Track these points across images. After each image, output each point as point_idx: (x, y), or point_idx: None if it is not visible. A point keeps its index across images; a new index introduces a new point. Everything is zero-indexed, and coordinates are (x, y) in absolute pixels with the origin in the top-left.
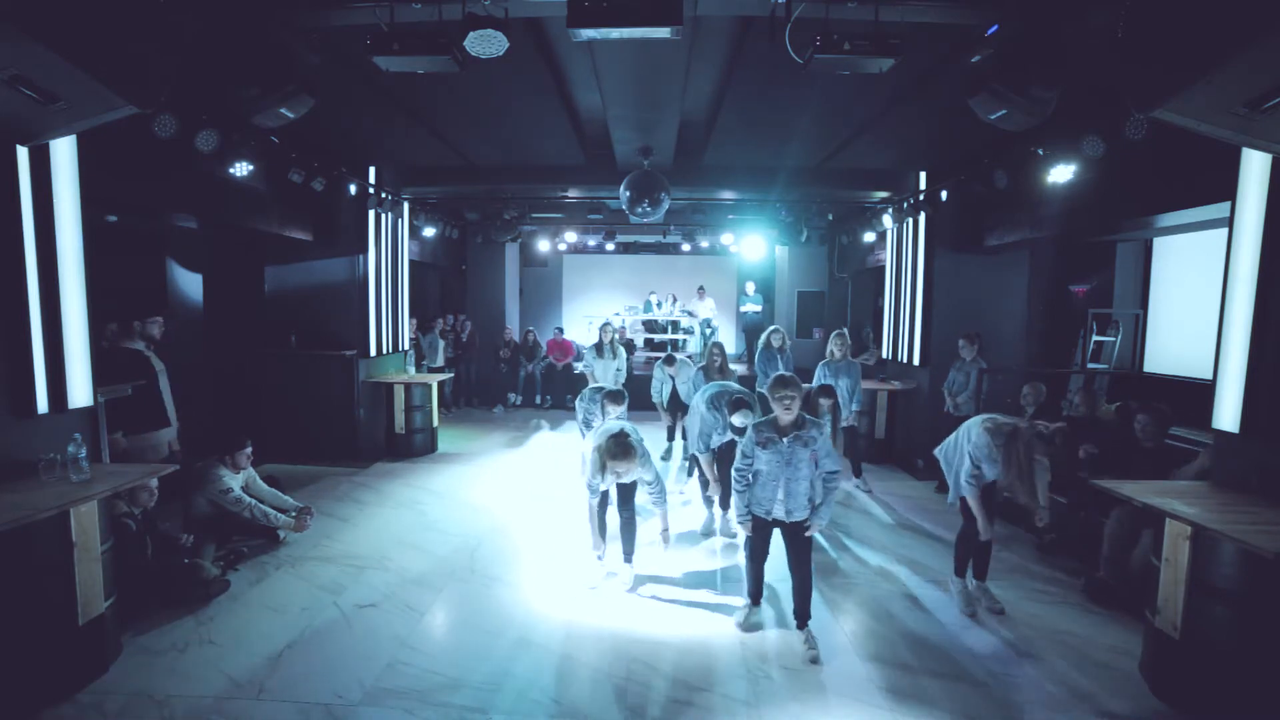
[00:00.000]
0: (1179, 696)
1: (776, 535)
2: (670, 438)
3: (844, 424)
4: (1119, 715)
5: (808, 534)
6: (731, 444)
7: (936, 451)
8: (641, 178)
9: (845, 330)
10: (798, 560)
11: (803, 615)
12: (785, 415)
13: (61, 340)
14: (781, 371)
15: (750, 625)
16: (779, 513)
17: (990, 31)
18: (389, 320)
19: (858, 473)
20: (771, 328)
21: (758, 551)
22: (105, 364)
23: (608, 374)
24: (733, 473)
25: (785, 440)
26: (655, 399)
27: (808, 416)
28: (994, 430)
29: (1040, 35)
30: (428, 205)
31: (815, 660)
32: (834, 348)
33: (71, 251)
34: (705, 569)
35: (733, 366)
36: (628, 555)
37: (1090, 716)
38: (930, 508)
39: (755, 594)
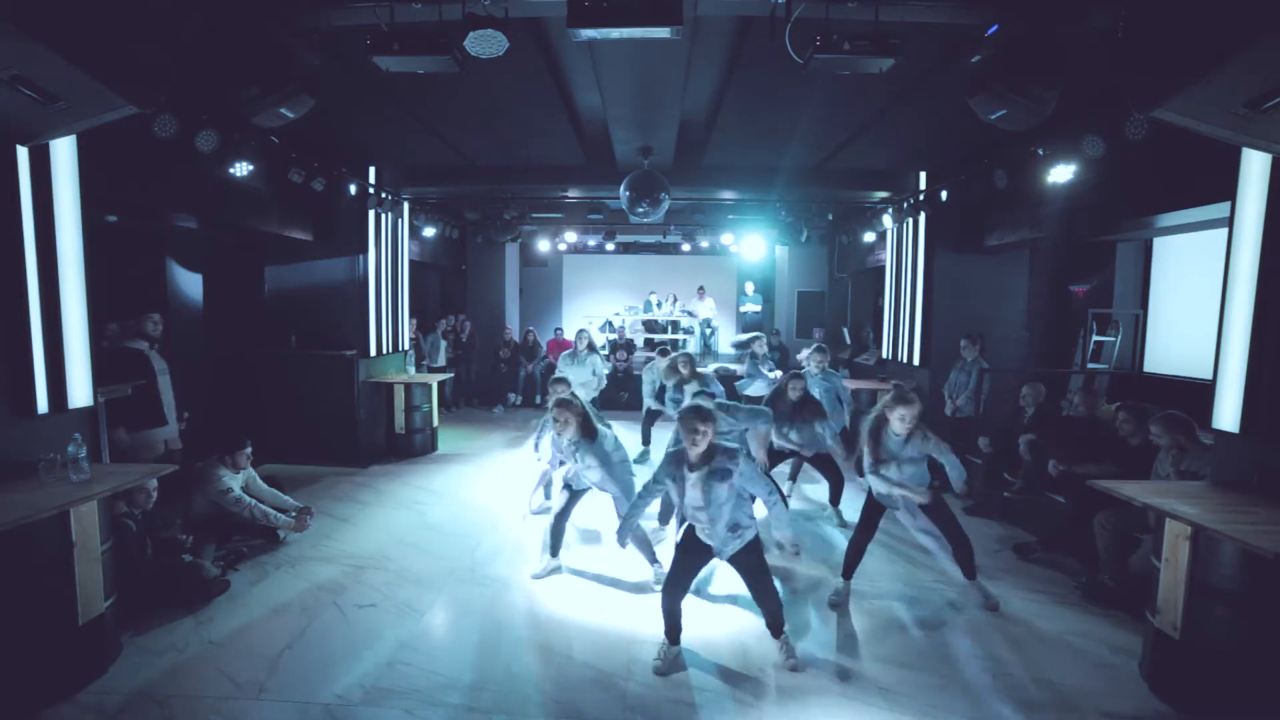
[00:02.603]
0: (1179, 696)
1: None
2: (645, 440)
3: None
4: (1119, 715)
5: (792, 550)
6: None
7: None
8: (641, 178)
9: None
10: (758, 589)
11: (776, 626)
12: (693, 449)
13: (61, 340)
14: (697, 401)
15: (671, 667)
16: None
17: (990, 31)
18: (389, 320)
19: (861, 473)
20: (753, 334)
21: (680, 579)
22: (107, 364)
23: (580, 379)
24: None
25: (695, 474)
26: (649, 401)
27: (723, 445)
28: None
29: (1040, 35)
30: (428, 205)
31: (796, 668)
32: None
33: (71, 251)
34: (707, 569)
35: (732, 366)
36: (652, 559)
37: (1090, 716)
38: None
39: (672, 631)
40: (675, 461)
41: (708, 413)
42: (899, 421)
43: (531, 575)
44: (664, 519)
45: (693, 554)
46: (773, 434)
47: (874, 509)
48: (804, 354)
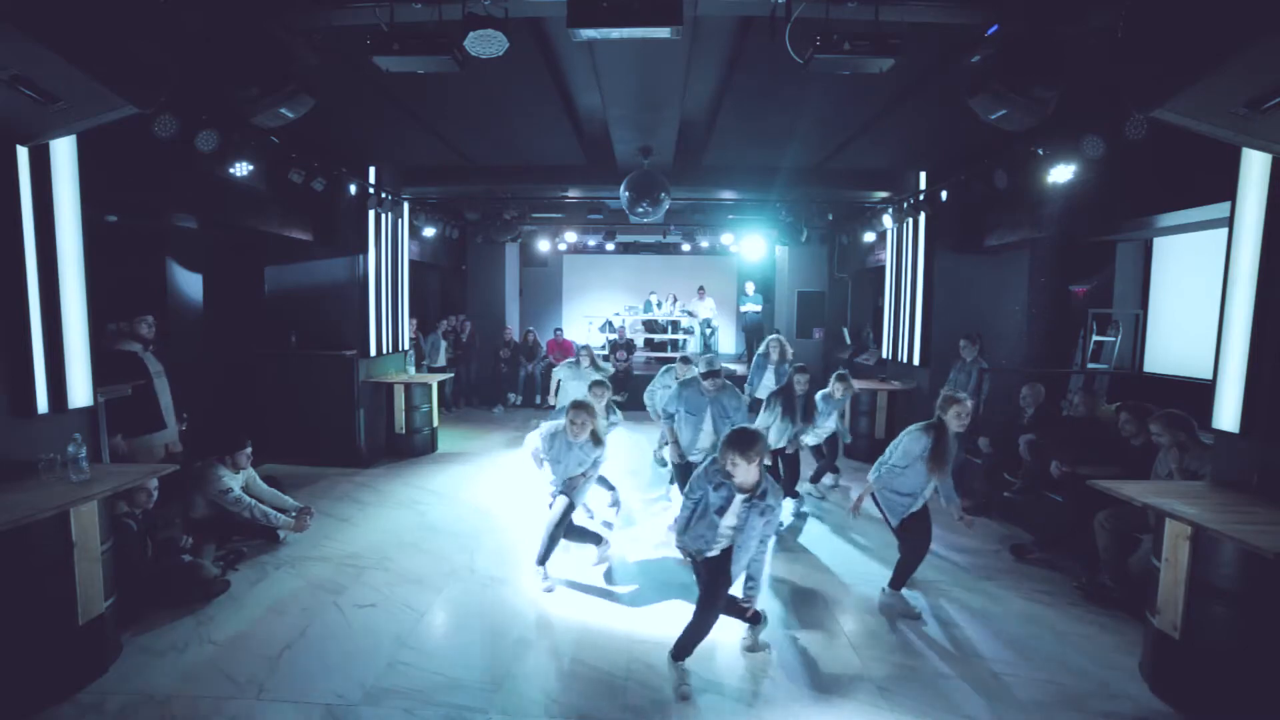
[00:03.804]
0: (1179, 696)
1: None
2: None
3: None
4: (1119, 715)
5: (749, 606)
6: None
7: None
8: (641, 178)
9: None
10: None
11: (682, 651)
12: (743, 474)
13: (61, 340)
14: (744, 424)
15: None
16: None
17: (990, 31)
18: (389, 320)
19: (815, 479)
20: (771, 336)
21: (719, 591)
22: (98, 368)
23: (579, 391)
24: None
25: (741, 498)
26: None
27: (771, 483)
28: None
29: (1040, 35)
30: (428, 205)
31: (686, 696)
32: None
33: (71, 251)
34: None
35: (730, 366)
36: (597, 540)
37: (1090, 716)
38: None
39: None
40: (724, 473)
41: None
42: (955, 420)
43: (545, 589)
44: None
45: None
46: (774, 438)
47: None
48: (832, 386)
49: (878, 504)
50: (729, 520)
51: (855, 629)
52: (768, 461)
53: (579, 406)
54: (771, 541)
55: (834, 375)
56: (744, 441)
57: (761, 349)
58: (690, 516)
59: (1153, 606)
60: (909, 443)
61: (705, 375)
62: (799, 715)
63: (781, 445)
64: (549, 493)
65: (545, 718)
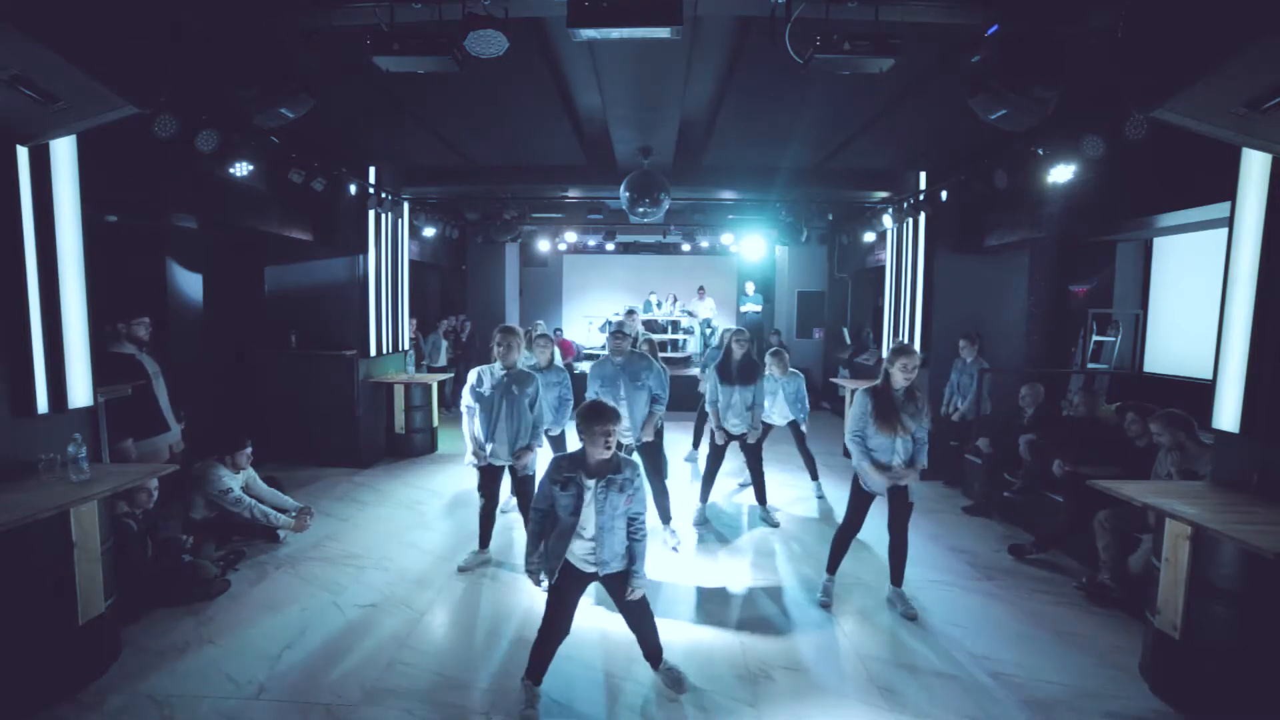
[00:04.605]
0: (1179, 696)
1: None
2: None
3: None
4: (1119, 715)
5: (633, 596)
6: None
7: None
8: (641, 178)
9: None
10: (635, 618)
11: (654, 656)
12: (601, 453)
13: (61, 340)
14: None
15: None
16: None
17: (990, 31)
18: (389, 320)
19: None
20: (726, 328)
21: (558, 615)
22: (98, 368)
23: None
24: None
25: (594, 483)
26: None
27: (624, 457)
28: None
29: (1040, 35)
30: (428, 205)
31: (680, 691)
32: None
33: (71, 251)
34: (706, 568)
35: None
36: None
37: (1090, 716)
38: (927, 508)
39: (537, 672)
40: (572, 466)
41: (615, 412)
42: (900, 373)
43: (458, 567)
44: (665, 518)
45: (572, 588)
46: (721, 411)
47: (862, 499)
48: (770, 366)
49: (856, 478)
50: (588, 516)
51: (854, 629)
52: (719, 442)
53: (505, 330)
54: (666, 531)
55: (768, 352)
56: (601, 410)
57: (717, 341)
58: (539, 534)
59: (1153, 606)
60: (856, 401)
61: (613, 334)
62: (799, 715)
63: (742, 431)
64: (474, 461)
65: (545, 718)
